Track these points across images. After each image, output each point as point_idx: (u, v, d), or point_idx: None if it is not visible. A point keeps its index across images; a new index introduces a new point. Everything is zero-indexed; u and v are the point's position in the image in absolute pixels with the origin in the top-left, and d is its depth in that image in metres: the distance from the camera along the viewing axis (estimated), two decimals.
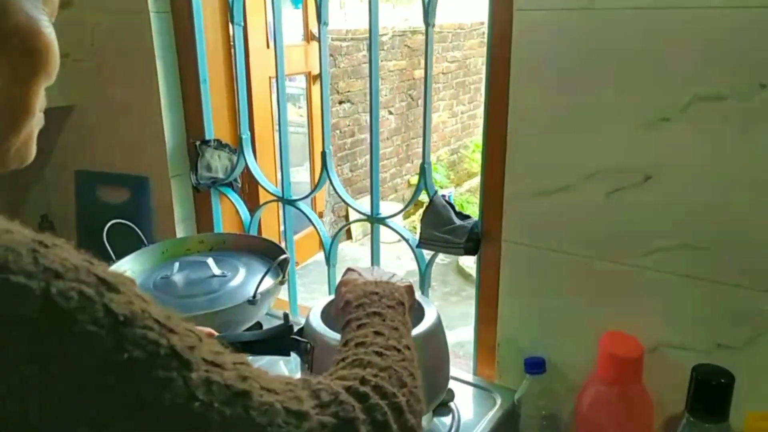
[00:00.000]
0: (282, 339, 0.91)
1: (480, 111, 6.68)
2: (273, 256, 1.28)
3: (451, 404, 1.01)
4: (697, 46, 0.80)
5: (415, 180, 6.08)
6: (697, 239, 0.86)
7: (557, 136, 0.92)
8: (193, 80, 1.36)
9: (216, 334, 0.90)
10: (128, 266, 1.26)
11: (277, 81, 1.26)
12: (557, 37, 0.89)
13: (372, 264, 1.26)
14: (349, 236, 5.39)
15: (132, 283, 0.40)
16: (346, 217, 5.33)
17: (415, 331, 0.89)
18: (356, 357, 0.56)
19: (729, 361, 0.85)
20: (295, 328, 0.92)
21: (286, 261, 1.13)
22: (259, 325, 1.23)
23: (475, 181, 6.45)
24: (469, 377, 1.12)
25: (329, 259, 1.32)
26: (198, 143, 1.41)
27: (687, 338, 0.90)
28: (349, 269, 0.85)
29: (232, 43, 1.36)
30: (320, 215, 4.48)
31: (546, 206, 0.96)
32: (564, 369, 1.01)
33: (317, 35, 1.18)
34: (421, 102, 5.78)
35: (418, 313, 0.94)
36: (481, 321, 1.13)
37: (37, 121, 0.51)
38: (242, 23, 1.28)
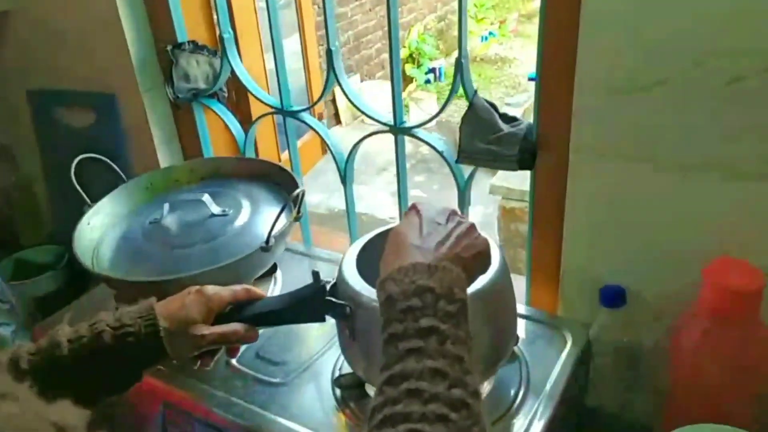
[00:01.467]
0: (314, 302, 0.73)
1: None
2: (279, 182, 1.08)
3: (516, 349, 0.86)
4: None
5: (405, 54, 5.69)
6: None
7: (652, 11, 0.69)
8: None
9: (253, 289, 0.73)
10: (108, 210, 1.05)
11: None
12: None
13: (398, 181, 1.06)
14: (337, 121, 5.10)
15: None
16: (333, 101, 5.02)
17: (477, 285, 0.71)
18: (411, 428, 0.41)
19: None
20: (328, 287, 0.74)
21: (300, 194, 0.93)
22: (275, 267, 1.05)
23: None
24: (522, 308, 0.96)
25: (345, 179, 1.11)
26: (169, 48, 1.15)
27: None
28: (410, 210, 0.64)
29: None
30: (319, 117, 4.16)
31: (633, 106, 0.75)
32: (650, 298, 0.85)
33: None
34: None
35: None
36: (536, 244, 0.95)
37: None
38: None
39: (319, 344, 0.90)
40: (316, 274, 0.73)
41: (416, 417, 0.42)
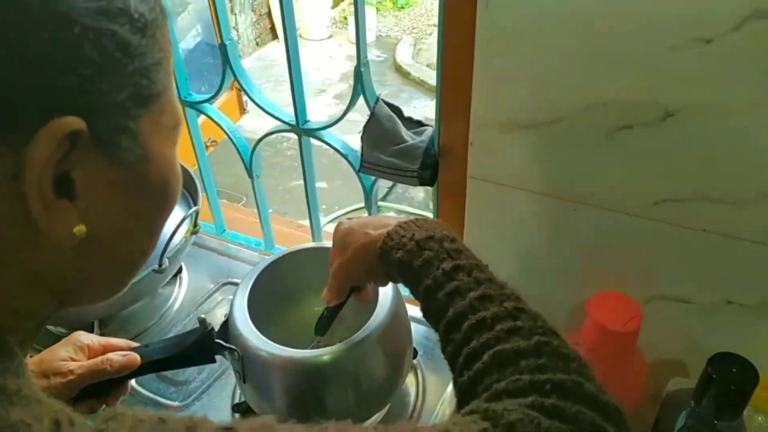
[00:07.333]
0: (203, 347, 0.72)
1: None
2: None
3: (415, 361, 0.88)
4: None
5: None
6: (723, 192, 0.66)
7: (549, 56, 0.66)
8: None
9: (133, 345, 0.71)
10: None
11: None
12: None
13: (306, 184, 1.03)
14: (274, 35, 4.85)
15: None
16: (269, 14, 4.73)
17: (373, 323, 0.72)
18: (495, 352, 0.44)
19: (738, 319, 0.73)
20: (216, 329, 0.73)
21: (194, 213, 0.89)
22: (180, 268, 1.02)
23: None
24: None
25: (251, 170, 1.07)
26: None
27: (692, 292, 0.76)
28: (340, 223, 0.65)
29: None
30: None
31: (529, 140, 0.73)
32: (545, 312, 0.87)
33: None
34: None
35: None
36: None
37: None
38: None
39: (219, 363, 0.90)
40: (202, 321, 0.72)
41: (492, 342, 0.44)
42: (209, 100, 1.03)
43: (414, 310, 0.90)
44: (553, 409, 0.39)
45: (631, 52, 0.62)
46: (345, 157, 0.96)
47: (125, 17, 0.32)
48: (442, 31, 0.74)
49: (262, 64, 4.50)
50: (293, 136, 0.97)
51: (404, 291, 0.78)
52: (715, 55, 0.58)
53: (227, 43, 0.92)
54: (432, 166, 0.86)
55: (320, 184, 3.07)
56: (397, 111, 0.90)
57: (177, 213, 0.97)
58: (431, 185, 0.88)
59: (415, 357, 0.87)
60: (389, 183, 3.19)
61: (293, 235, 1.24)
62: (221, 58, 0.94)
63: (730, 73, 0.59)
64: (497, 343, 0.44)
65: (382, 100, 0.89)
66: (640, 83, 0.63)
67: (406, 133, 0.88)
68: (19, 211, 0.31)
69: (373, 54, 4.61)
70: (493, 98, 0.72)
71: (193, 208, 0.88)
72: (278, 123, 0.98)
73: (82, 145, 0.32)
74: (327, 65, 4.34)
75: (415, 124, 0.91)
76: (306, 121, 0.96)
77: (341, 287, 0.65)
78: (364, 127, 0.88)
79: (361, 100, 0.89)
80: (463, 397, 0.45)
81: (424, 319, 0.94)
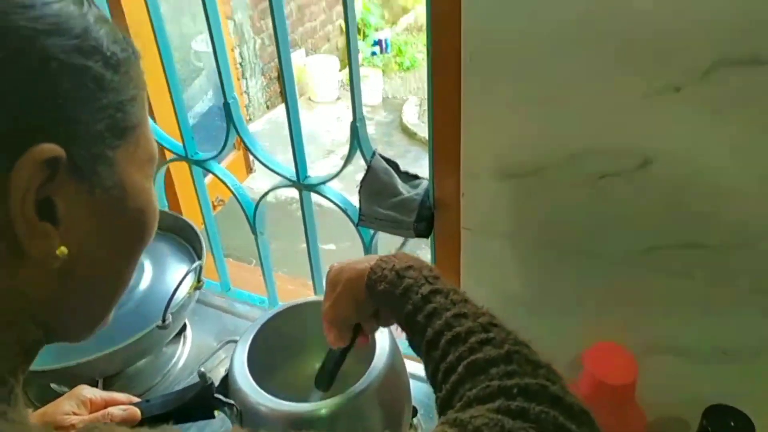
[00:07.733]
0: (202, 402, 0.73)
1: None
2: (185, 236, 1.06)
3: (414, 420, 0.88)
4: None
5: None
6: (706, 238, 0.67)
7: (531, 107, 0.69)
8: None
9: (135, 400, 0.72)
10: None
11: None
12: None
13: (307, 240, 1.05)
14: (284, 99, 5.00)
15: None
16: (279, 78, 4.89)
17: (369, 374, 0.72)
18: (468, 362, 0.47)
19: (733, 371, 0.73)
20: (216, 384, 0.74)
21: (198, 267, 0.91)
22: (184, 326, 1.04)
23: (412, 17, 5.95)
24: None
25: (255, 227, 1.10)
26: None
27: (685, 343, 0.75)
28: (332, 265, 0.67)
29: None
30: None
31: (515, 190, 0.75)
32: None
33: None
34: None
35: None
36: None
37: None
38: None
39: (223, 421, 0.90)
40: (202, 375, 0.72)
41: (466, 354, 0.47)
42: (215, 158, 1.07)
43: (413, 367, 0.90)
44: (517, 410, 0.40)
45: (608, 101, 0.64)
46: (344, 211, 0.98)
47: (99, 55, 0.36)
48: (432, 88, 0.78)
49: (272, 126, 4.61)
50: None
51: (403, 347, 0.78)
52: (685, 102, 0.60)
53: (230, 101, 0.97)
54: (427, 218, 0.88)
55: (328, 246, 3.08)
56: (394, 165, 0.93)
57: (180, 268, 0.99)
58: (427, 236, 0.89)
59: (414, 416, 0.87)
60: (400, 239, 3.22)
61: (298, 292, 1.26)
62: (225, 117, 0.98)
63: (700, 120, 0.61)
64: (470, 354, 0.47)
65: (379, 154, 0.92)
66: (617, 132, 0.65)
67: (402, 186, 0.91)
68: (6, 231, 0.33)
69: (380, 115, 4.72)
70: (480, 150, 0.74)
71: (197, 263, 0.90)
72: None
73: (61, 171, 0.34)
74: (335, 126, 4.44)
75: (411, 177, 0.93)
76: (306, 177, 0.99)
77: (337, 328, 0.65)
78: (362, 181, 0.91)
79: (360, 156, 0.92)
80: (442, 411, 0.46)
81: (423, 377, 0.95)
